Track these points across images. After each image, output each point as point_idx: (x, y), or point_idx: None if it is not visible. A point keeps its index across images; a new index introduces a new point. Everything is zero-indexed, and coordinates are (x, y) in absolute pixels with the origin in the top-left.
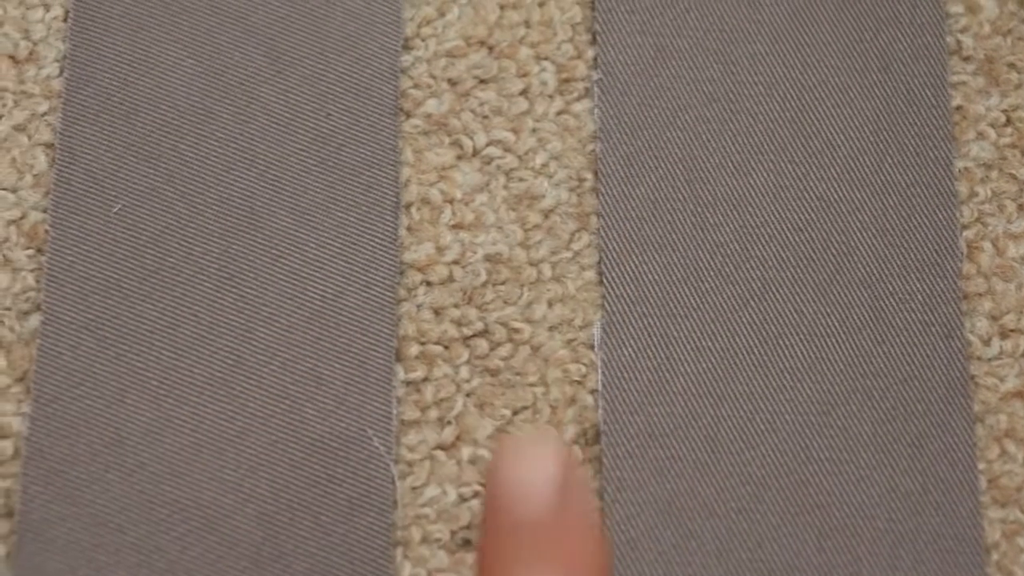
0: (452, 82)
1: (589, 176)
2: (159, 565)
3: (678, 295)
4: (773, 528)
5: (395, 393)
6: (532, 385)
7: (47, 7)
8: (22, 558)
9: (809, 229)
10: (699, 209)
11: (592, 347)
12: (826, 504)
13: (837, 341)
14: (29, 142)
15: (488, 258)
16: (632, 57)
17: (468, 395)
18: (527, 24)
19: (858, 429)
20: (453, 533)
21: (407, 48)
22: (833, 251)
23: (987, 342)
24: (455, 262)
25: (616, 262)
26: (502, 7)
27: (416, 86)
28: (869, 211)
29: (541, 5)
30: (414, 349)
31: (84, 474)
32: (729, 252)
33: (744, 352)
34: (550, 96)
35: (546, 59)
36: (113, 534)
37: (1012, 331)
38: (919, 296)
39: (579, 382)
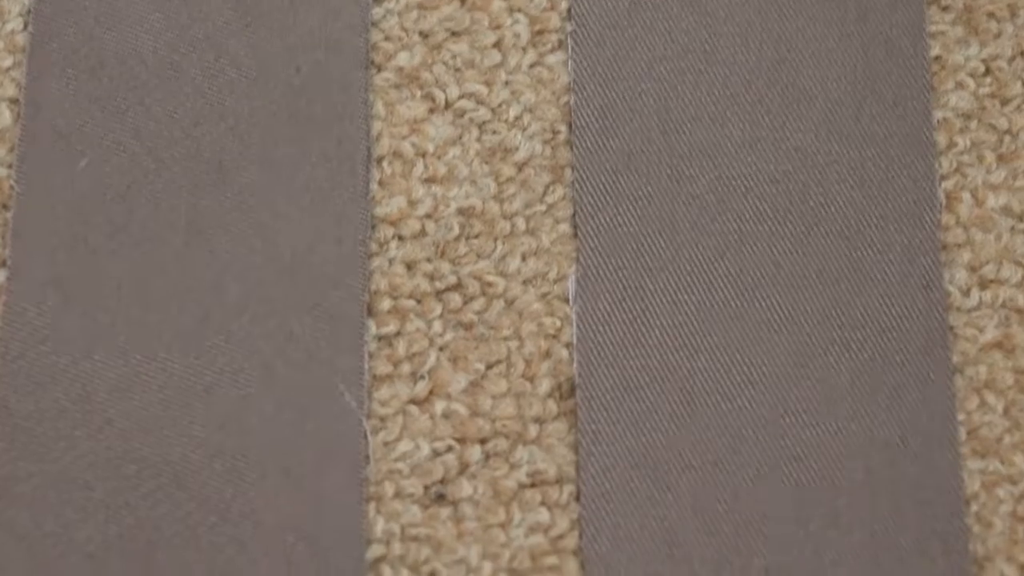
0: (424, 35)
1: (563, 128)
2: (128, 522)
3: (653, 247)
4: (750, 480)
5: (367, 348)
6: (506, 339)
7: None
8: None
9: (786, 180)
10: (675, 161)
11: (567, 300)
12: (803, 456)
13: (814, 292)
14: None
15: (461, 211)
16: (606, 8)
17: (441, 349)
18: None
19: (836, 380)
20: (426, 488)
21: (377, 1)
22: (810, 202)
23: (966, 293)
24: (428, 216)
25: (591, 215)
26: None
27: (387, 39)
28: (847, 162)
29: None
30: (386, 303)
31: (51, 431)
32: (705, 204)
33: (720, 304)
34: (523, 48)
35: (519, 11)
36: (81, 491)
37: (991, 282)
38: (897, 247)
39: (554, 336)
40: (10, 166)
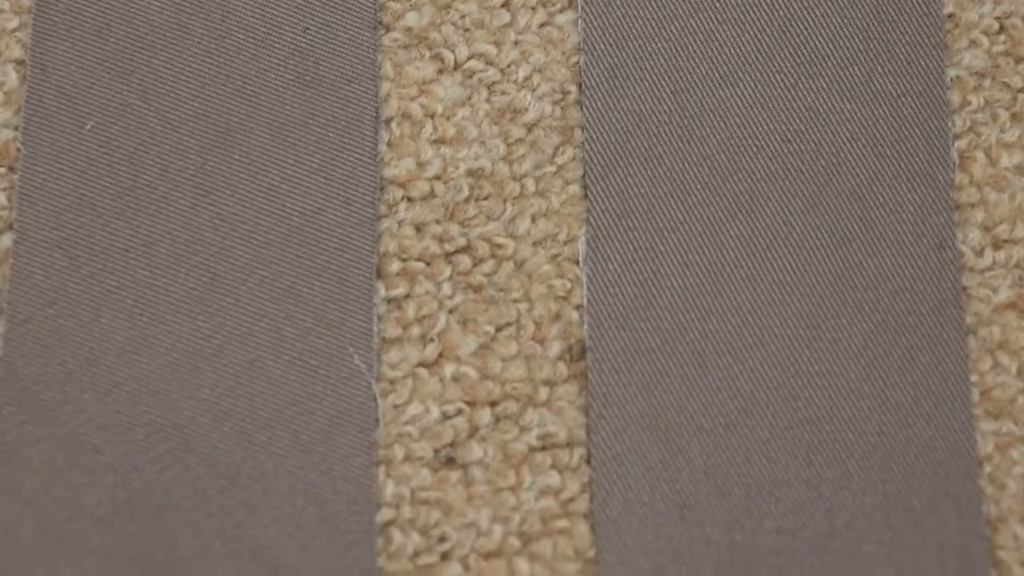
0: None
1: (573, 89)
2: (136, 486)
3: (664, 208)
4: (762, 443)
5: (376, 310)
6: (516, 301)
7: None
8: None
9: (798, 140)
10: (685, 121)
11: (577, 262)
12: (816, 418)
13: (827, 253)
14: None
15: (470, 173)
16: None
17: (451, 312)
18: None
19: (848, 342)
20: (436, 451)
21: None
22: (822, 162)
23: (980, 253)
24: (436, 177)
25: (601, 176)
26: None
27: None
28: (859, 121)
29: None
30: (395, 266)
31: (59, 394)
32: (716, 164)
33: (732, 265)
34: (532, 8)
35: None
36: (89, 455)
37: (1005, 242)
38: (910, 207)
39: (564, 298)
40: (16, 128)
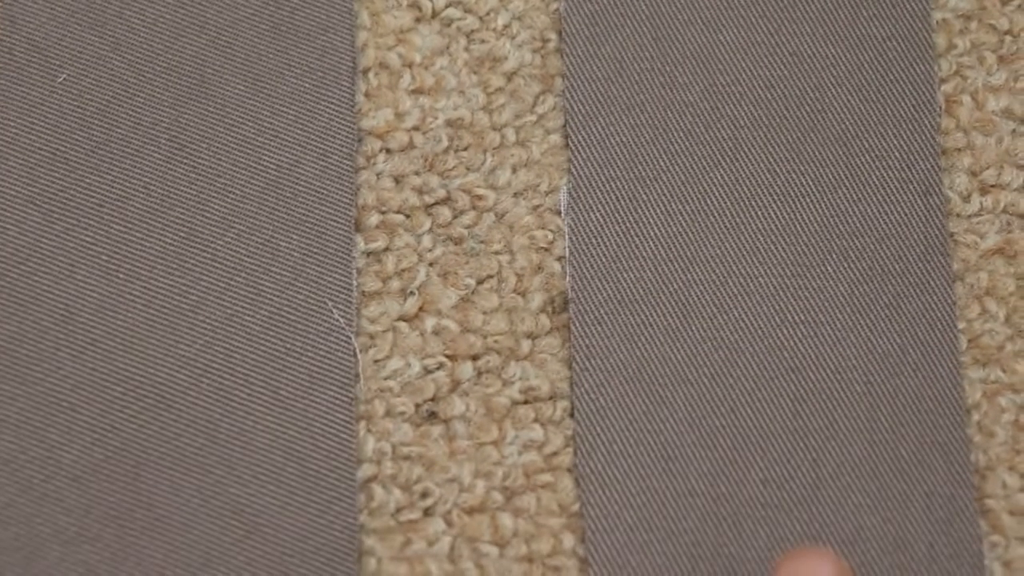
0: None
1: (553, 36)
2: (113, 444)
3: (647, 157)
4: (747, 393)
5: (355, 264)
6: (497, 253)
7: None
8: None
9: (782, 86)
10: (668, 68)
11: (559, 213)
12: (801, 367)
13: (812, 200)
14: None
15: (449, 123)
16: None
17: (431, 265)
18: None
19: (834, 290)
20: (417, 406)
21: None
22: (807, 108)
23: (966, 198)
24: (415, 128)
25: (582, 125)
26: None
27: None
28: (844, 66)
29: None
30: (374, 218)
31: (34, 352)
32: (699, 111)
33: (716, 214)
34: None
35: None
36: (65, 413)
37: (992, 187)
38: (896, 152)
39: (546, 249)
40: None
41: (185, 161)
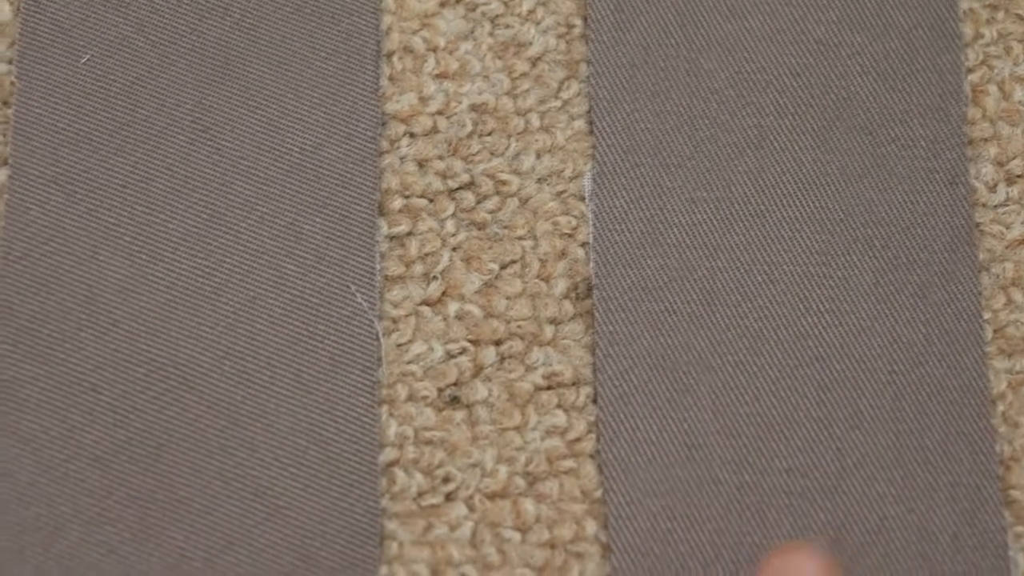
0: None
1: (578, 22)
2: (135, 425)
3: (671, 144)
4: (772, 382)
5: (378, 248)
6: (521, 238)
7: None
8: None
9: (807, 74)
10: (693, 55)
11: (582, 198)
12: (826, 356)
13: (837, 189)
14: None
15: (474, 108)
16: None
17: (454, 249)
18: None
19: (859, 279)
20: (440, 391)
21: None
22: (832, 96)
23: (992, 188)
24: (439, 112)
25: (607, 111)
26: None
27: None
28: (870, 54)
29: None
30: (397, 203)
31: (56, 332)
32: (724, 99)
33: (740, 202)
34: None
35: None
36: (87, 394)
37: (1019, 177)
38: (922, 142)
39: (569, 235)
40: (10, 62)
41: (208, 143)
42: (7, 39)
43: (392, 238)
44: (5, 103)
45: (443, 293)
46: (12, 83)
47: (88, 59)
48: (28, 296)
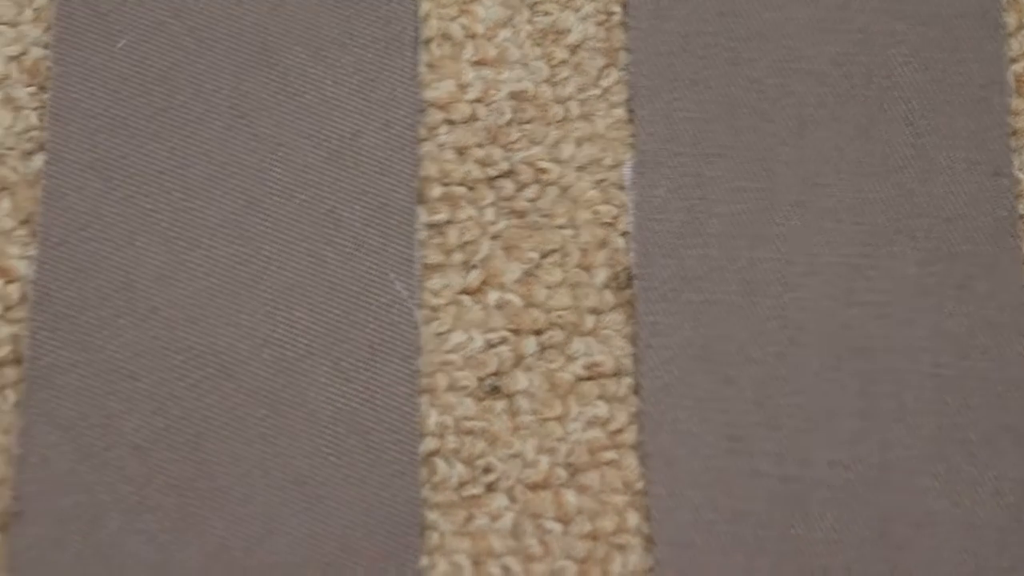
0: None
1: (617, 9)
2: (174, 413)
3: (712, 133)
4: (813, 373)
5: (417, 236)
6: (561, 227)
7: None
8: (32, 406)
9: (849, 63)
10: (733, 43)
11: (622, 187)
12: (869, 348)
13: (879, 179)
14: None
15: (513, 96)
16: None
17: (494, 238)
18: None
19: (902, 271)
20: (480, 380)
21: None
22: (874, 86)
23: None
24: (478, 100)
25: (647, 99)
26: None
27: None
28: (912, 44)
29: None
30: (436, 190)
31: (94, 319)
32: (765, 88)
33: (782, 192)
34: None
35: None
36: (125, 381)
37: None
38: (965, 133)
39: (610, 224)
40: (46, 46)
41: (246, 129)
42: (43, 23)
43: (431, 226)
44: (41, 88)
45: (483, 282)
46: (48, 68)
47: (124, 44)
48: (66, 282)
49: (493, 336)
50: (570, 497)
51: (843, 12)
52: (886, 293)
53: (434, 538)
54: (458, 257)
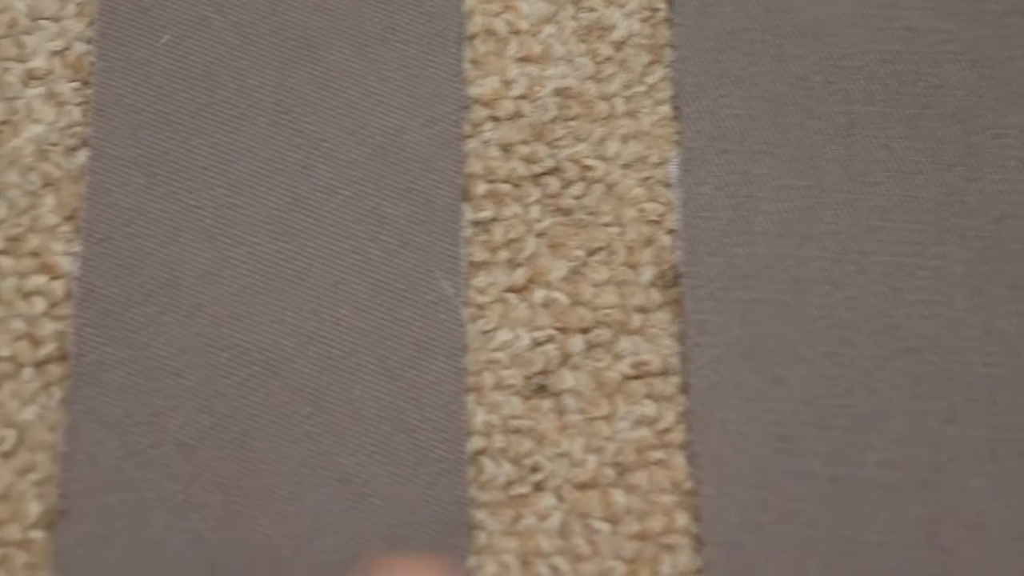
0: None
1: (662, 5)
2: (220, 410)
3: (759, 130)
4: (863, 373)
5: (463, 233)
6: (607, 225)
7: None
8: (77, 403)
9: (897, 60)
10: (780, 40)
11: (668, 185)
12: (919, 348)
13: (927, 178)
14: None
15: (557, 92)
16: None
17: (540, 235)
18: None
19: (951, 270)
20: (527, 379)
21: None
22: (923, 84)
23: None
24: (523, 96)
25: (693, 96)
26: None
27: None
28: (961, 41)
29: None
30: (482, 187)
31: (139, 316)
32: (812, 85)
33: (830, 190)
34: None
35: None
36: (171, 378)
37: None
38: (1015, 130)
39: (656, 221)
40: (90, 41)
41: (290, 125)
42: (86, 17)
43: (477, 223)
44: (85, 83)
45: (529, 280)
46: (91, 63)
47: (168, 39)
48: (110, 279)
49: (539, 334)
50: (618, 497)
51: (891, 9)
52: (935, 292)
53: (482, 538)
54: (504, 255)
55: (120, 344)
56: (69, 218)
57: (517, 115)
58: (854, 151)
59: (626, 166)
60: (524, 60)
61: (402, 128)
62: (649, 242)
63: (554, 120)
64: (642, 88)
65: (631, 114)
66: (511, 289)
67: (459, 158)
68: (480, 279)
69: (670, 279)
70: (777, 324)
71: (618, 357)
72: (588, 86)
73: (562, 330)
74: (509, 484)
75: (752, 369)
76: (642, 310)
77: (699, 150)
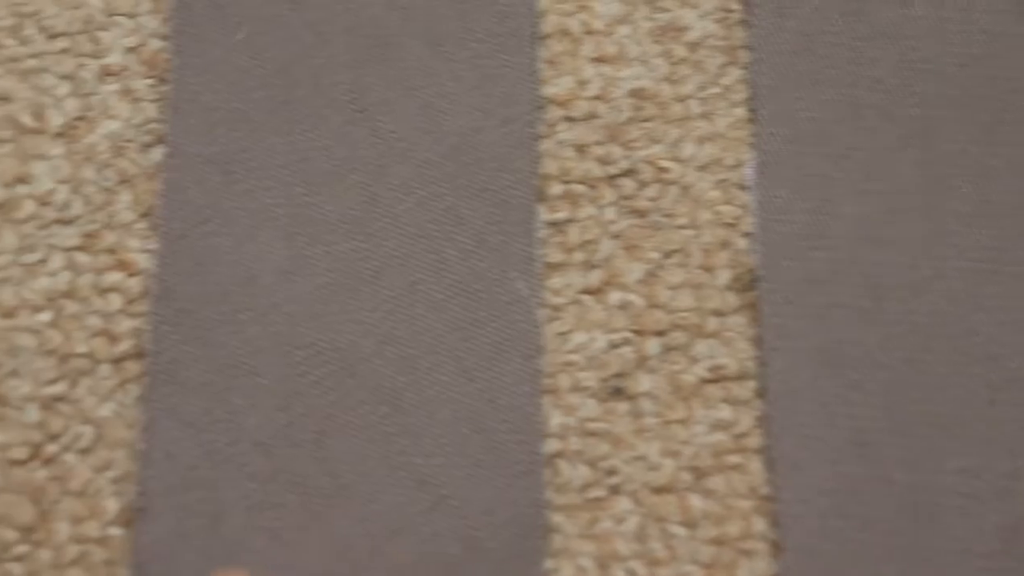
0: None
1: (736, 6)
2: (297, 410)
3: (835, 133)
4: (941, 379)
5: (538, 234)
6: (682, 227)
7: None
8: (155, 401)
9: (974, 64)
10: (856, 43)
11: (744, 188)
12: (998, 355)
13: (1006, 182)
14: None
15: (632, 93)
16: None
17: (615, 237)
18: None
19: None
20: (603, 381)
21: None
22: (1000, 88)
23: None
24: (597, 97)
25: (768, 98)
26: None
27: None
28: None
29: None
30: (557, 188)
31: (215, 315)
32: (889, 88)
33: (907, 194)
34: None
35: None
36: (247, 377)
37: None
38: None
39: (732, 225)
40: (164, 38)
41: (366, 124)
42: (161, 14)
43: (552, 224)
44: (161, 80)
45: (604, 282)
46: (167, 60)
47: (243, 37)
48: (187, 277)
49: (615, 337)
50: (695, 501)
51: (968, 13)
52: (1015, 299)
53: (558, 540)
54: (579, 256)
55: (197, 342)
56: (145, 215)
57: (592, 116)
58: (931, 155)
59: (701, 168)
60: (599, 60)
61: (477, 128)
62: (725, 245)
63: (629, 121)
64: (717, 90)
65: (706, 116)
66: (587, 291)
67: (534, 158)
68: (555, 281)
69: (746, 282)
70: (855, 329)
71: (694, 360)
72: (663, 87)
73: (638, 333)
74: (585, 487)
75: (829, 374)
76: (718, 313)
77: (775, 153)
